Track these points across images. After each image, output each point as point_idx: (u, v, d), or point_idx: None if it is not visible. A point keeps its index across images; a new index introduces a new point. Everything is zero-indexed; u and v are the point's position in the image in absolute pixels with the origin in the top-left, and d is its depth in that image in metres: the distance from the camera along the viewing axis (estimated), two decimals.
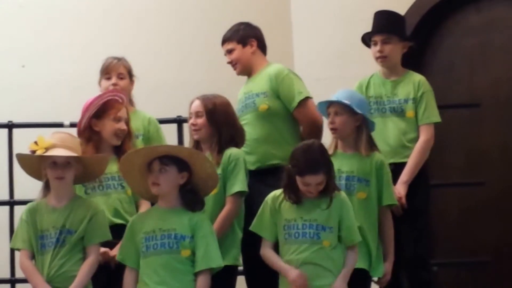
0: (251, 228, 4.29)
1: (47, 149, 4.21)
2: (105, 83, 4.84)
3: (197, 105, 4.56)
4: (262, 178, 4.69)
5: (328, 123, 4.49)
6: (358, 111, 4.39)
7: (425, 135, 4.72)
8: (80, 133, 4.57)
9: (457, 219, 6.03)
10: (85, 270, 4.17)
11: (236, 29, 4.99)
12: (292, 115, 4.86)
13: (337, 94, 4.49)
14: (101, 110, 4.52)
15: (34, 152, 4.23)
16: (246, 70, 4.99)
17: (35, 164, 4.26)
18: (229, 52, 4.98)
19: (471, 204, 6.00)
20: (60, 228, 4.20)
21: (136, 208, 4.50)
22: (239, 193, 4.46)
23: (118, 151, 4.51)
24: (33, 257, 4.24)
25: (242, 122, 4.80)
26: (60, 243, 4.19)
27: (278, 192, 4.27)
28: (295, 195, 4.19)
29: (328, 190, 4.18)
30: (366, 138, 4.42)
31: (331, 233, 4.15)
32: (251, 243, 4.53)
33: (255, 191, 4.59)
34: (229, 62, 5.00)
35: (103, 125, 4.51)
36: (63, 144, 4.23)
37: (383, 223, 4.44)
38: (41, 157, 4.21)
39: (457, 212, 6.05)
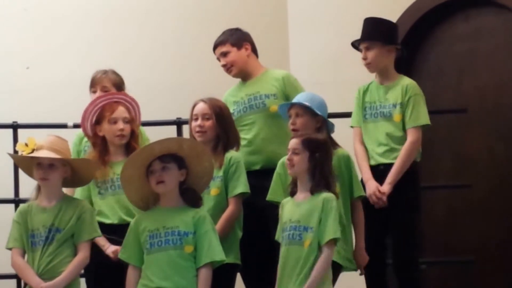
0: (275, 238, 4.40)
1: (34, 150, 4.36)
2: (92, 97, 4.94)
3: (204, 107, 4.66)
4: (270, 177, 4.79)
5: (289, 124, 4.64)
6: (318, 112, 4.56)
7: (411, 137, 4.88)
8: (89, 139, 4.74)
9: (444, 220, 6.17)
10: (73, 266, 4.34)
11: (229, 33, 5.12)
12: None
13: (298, 96, 4.68)
14: (99, 115, 4.67)
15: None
16: (242, 72, 5.12)
17: (28, 165, 4.42)
18: (224, 55, 5.09)
19: (457, 206, 6.14)
20: (50, 226, 4.36)
21: None
22: (241, 194, 4.63)
23: (129, 152, 4.61)
24: (24, 255, 4.39)
25: (244, 123, 4.98)
26: (49, 241, 4.35)
27: (286, 199, 4.43)
28: (293, 187, 4.35)
29: (316, 179, 4.28)
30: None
31: (312, 233, 4.24)
32: (248, 242, 4.74)
33: (263, 190, 4.74)
34: (224, 65, 5.10)
35: (104, 129, 4.65)
36: (49, 147, 4.37)
37: (356, 215, 4.59)
38: (31, 158, 4.36)
39: (444, 213, 6.18)
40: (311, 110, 4.56)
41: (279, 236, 4.38)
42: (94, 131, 4.68)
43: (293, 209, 4.32)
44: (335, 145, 4.62)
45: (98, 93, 4.94)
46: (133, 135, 4.67)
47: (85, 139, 4.88)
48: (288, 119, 4.64)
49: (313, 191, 4.29)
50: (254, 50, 5.16)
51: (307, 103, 4.55)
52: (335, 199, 4.29)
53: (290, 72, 5.34)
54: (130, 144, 4.65)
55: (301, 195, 4.33)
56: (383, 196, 4.77)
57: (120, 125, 4.62)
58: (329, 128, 4.62)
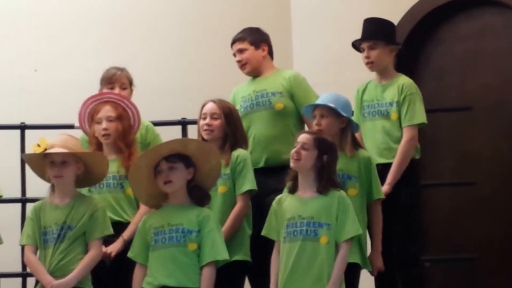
0: (262, 233, 4.42)
1: (46, 150, 4.40)
2: None
3: (213, 107, 4.71)
4: (273, 174, 4.85)
5: (314, 124, 4.66)
6: (343, 114, 4.58)
7: (406, 136, 4.90)
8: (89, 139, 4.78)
9: (448, 218, 6.18)
10: (84, 263, 4.36)
11: (249, 32, 5.20)
12: (301, 116, 5.09)
13: (323, 97, 4.69)
14: (92, 116, 4.73)
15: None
16: (254, 71, 5.19)
17: (41, 166, 4.46)
18: (241, 51, 5.15)
19: (461, 204, 6.15)
20: (61, 224, 4.39)
21: (137, 206, 4.65)
22: (249, 192, 4.66)
23: (118, 151, 4.67)
24: (37, 252, 4.42)
25: (250, 119, 5.01)
26: (61, 238, 4.37)
27: (282, 194, 4.44)
28: (293, 183, 4.35)
29: (324, 179, 4.30)
30: (350, 139, 4.60)
31: (329, 230, 4.25)
32: (254, 239, 4.73)
33: (267, 188, 4.79)
34: (239, 61, 5.16)
35: (95, 130, 4.70)
36: (62, 144, 4.42)
37: (374, 217, 4.59)
38: (44, 158, 4.41)
39: (448, 210, 6.19)
40: (336, 111, 4.57)
41: (272, 232, 4.36)
42: (93, 131, 4.73)
43: (301, 205, 4.30)
44: (358, 146, 4.64)
45: (117, 91, 4.96)
46: (119, 133, 4.67)
47: None
48: (312, 120, 4.67)
49: (322, 191, 4.30)
50: (271, 53, 5.23)
51: (332, 104, 4.57)
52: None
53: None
54: (116, 143, 4.67)
55: (306, 193, 4.33)
56: None
57: (103, 124, 4.66)
58: (353, 128, 4.65)
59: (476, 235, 6.06)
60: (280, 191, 4.68)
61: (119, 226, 4.58)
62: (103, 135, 4.66)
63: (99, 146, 4.70)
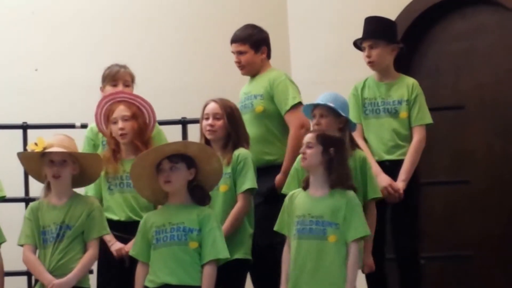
0: (274, 228, 4.49)
1: (44, 148, 4.45)
2: (111, 90, 4.99)
3: (215, 107, 4.75)
4: (257, 176, 4.86)
5: (313, 124, 4.72)
6: (342, 113, 4.64)
7: (418, 135, 4.99)
8: (107, 139, 4.82)
9: (443, 216, 6.24)
10: (82, 263, 4.44)
11: (251, 33, 5.20)
12: (283, 118, 5.12)
13: (322, 97, 4.73)
14: (108, 116, 4.77)
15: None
16: (251, 73, 5.24)
17: (36, 165, 4.51)
18: (240, 53, 5.18)
19: (456, 202, 6.21)
20: (60, 223, 4.45)
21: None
22: (250, 190, 4.72)
23: (136, 151, 4.71)
24: (36, 251, 4.48)
25: None
26: (59, 238, 4.44)
27: (294, 190, 4.51)
28: (306, 181, 4.42)
29: (336, 173, 4.36)
30: (348, 138, 4.66)
31: (337, 229, 4.33)
32: (255, 237, 4.80)
33: None
34: (237, 62, 5.19)
35: (111, 130, 4.76)
36: (60, 144, 4.48)
37: (368, 215, 4.61)
38: (41, 157, 4.45)
39: (443, 208, 6.25)
40: (335, 111, 4.63)
41: (284, 227, 4.43)
42: (110, 131, 4.78)
43: (312, 203, 4.38)
44: (355, 146, 4.69)
45: (120, 88, 4.99)
46: (135, 132, 4.71)
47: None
48: (312, 119, 4.72)
49: (333, 186, 4.36)
50: (269, 54, 5.25)
51: (331, 104, 4.62)
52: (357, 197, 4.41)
53: (290, 72, 5.46)
54: (134, 142, 4.71)
55: (318, 191, 4.40)
56: (399, 191, 4.84)
57: (120, 124, 4.70)
58: (351, 128, 4.71)
59: (471, 233, 6.11)
60: (259, 194, 4.78)
61: (138, 225, 4.59)
62: (120, 135, 4.71)
63: (117, 146, 4.74)
